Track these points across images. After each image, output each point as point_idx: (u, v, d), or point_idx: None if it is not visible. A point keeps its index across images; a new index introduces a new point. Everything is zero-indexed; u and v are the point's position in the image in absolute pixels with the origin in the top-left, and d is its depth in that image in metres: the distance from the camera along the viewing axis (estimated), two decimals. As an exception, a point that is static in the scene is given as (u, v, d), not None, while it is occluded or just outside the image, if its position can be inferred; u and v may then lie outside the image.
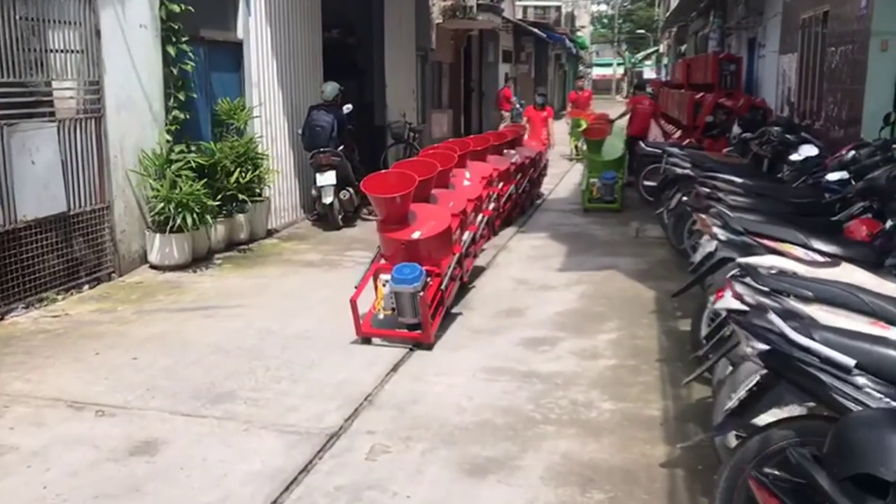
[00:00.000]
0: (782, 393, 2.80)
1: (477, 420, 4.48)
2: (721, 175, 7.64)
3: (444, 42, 22.91)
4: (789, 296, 3.39)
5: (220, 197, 8.56)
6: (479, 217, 7.59)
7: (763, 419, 2.91)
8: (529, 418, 4.50)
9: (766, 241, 4.81)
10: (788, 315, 3.13)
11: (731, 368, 3.99)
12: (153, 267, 7.93)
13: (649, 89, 23.49)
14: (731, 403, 3.02)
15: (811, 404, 2.90)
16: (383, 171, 6.76)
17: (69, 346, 5.67)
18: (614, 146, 13.01)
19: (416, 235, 5.89)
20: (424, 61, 19.17)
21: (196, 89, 8.79)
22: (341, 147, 10.57)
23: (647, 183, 12.14)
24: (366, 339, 5.83)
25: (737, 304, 3.84)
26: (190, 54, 8.42)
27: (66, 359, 5.40)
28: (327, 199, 10.09)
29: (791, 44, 12.36)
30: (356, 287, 6.00)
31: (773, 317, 2.81)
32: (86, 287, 7.23)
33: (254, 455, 4.05)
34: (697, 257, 5.56)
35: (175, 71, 8.27)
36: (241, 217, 9.08)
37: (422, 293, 5.64)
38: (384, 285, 5.81)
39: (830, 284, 3.46)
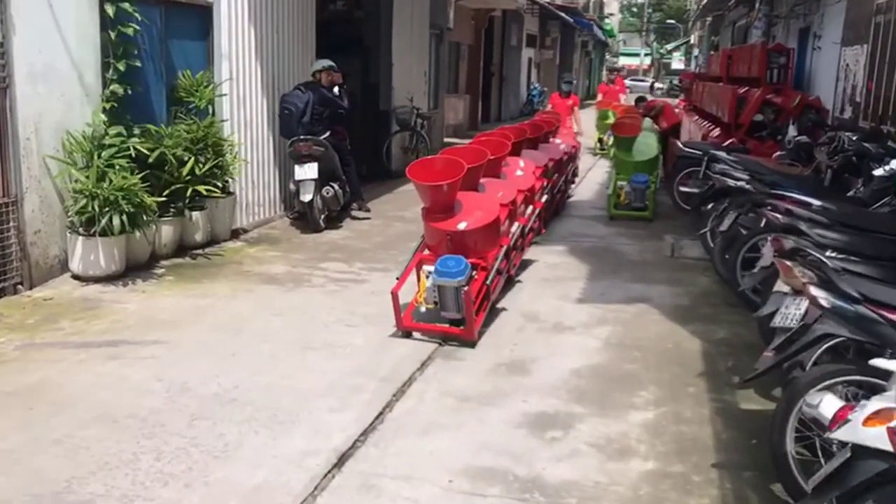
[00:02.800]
0: None
1: (443, 582, 2.92)
2: (793, 194, 6.02)
3: (464, 22, 21.24)
4: None
5: (167, 192, 7.02)
6: (530, 209, 7.32)
7: None
8: (525, 581, 2.93)
9: (897, 318, 3.21)
10: None
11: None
12: (76, 277, 6.40)
13: (676, 82, 21.67)
14: None
15: None
16: (429, 156, 6.33)
17: None
18: (647, 145, 11.33)
19: (462, 226, 5.56)
20: (439, 41, 17.50)
21: (145, 59, 7.21)
22: (327, 134, 9.00)
23: (683, 189, 10.46)
24: (406, 333, 5.47)
25: (871, 440, 2.29)
26: (136, 15, 6.84)
27: None
28: (305, 197, 8.50)
29: (859, 34, 10.62)
30: (398, 278, 5.64)
31: None
32: (-22, 303, 5.74)
33: None
34: (778, 321, 3.95)
35: (113, 35, 6.70)
36: (197, 216, 7.52)
37: (466, 288, 5.28)
38: (427, 277, 5.47)
39: None
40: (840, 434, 2.54)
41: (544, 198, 8.37)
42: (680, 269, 7.77)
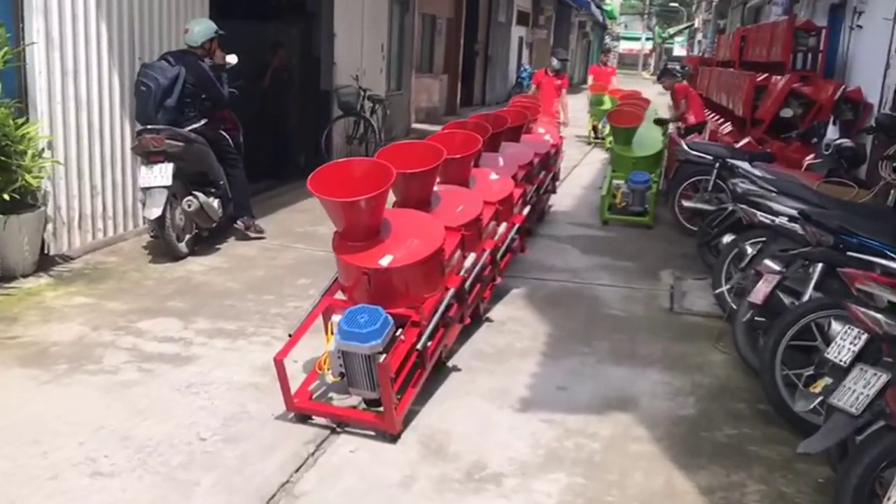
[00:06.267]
0: None
1: None
2: (879, 257, 3.58)
3: (441, -9, 18.68)
4: None
5: None
6: (503, 227, 5.42)
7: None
8: None
9: None
10: None
11: None
12: None
13: (682, 67, 19.31)
14: None
15: None
16: (341, 160, 4.64)
17: None
18: (650, 138, 9.18)
19: (385, 262, 3.96)
20: (404, 10, 14.97)
21: None
22: (203, 122, 6.50)
23: (687, 203, 8.01)
24: (301, 417, 3.78)
25: None
26: None
27: None
28: (152, 211, 5.91)
29: (923, 7, 8.14)
30: (290, 335, 3.94)
31: None
32: None
33: None
34: None
35: None
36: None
37: (383, 356, 3.60)
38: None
39: None
40: None
41: (526, 209, 6.29)
42: (682, 336, 5.31)
